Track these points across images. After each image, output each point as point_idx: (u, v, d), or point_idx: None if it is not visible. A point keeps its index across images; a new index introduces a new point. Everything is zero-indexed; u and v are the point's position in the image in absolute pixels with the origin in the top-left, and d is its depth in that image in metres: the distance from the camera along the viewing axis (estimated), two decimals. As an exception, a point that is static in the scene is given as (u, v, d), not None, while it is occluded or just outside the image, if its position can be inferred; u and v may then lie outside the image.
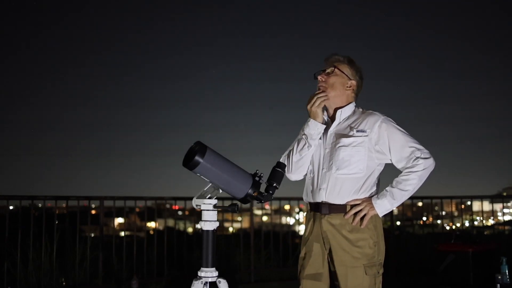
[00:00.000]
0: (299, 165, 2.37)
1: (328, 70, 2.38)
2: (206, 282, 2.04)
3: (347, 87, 2.37)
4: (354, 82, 2.39)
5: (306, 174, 2.42)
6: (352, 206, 2.24)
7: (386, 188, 2.26)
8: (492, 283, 3.90)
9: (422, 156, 2.22)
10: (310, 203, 2.37)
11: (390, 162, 2.30)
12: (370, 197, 2.26)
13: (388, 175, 2.39)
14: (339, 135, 2.30)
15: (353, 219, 2.22)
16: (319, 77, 2.39)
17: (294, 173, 2.40)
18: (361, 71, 2.43)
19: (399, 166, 2.28)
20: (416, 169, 2.21)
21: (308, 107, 2.32)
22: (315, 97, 2.31)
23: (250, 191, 2.06)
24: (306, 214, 2.44)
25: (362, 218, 2.22)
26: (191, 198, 2.15)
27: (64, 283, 5.17)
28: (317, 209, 2.30)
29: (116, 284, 5.27)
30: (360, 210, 2.22)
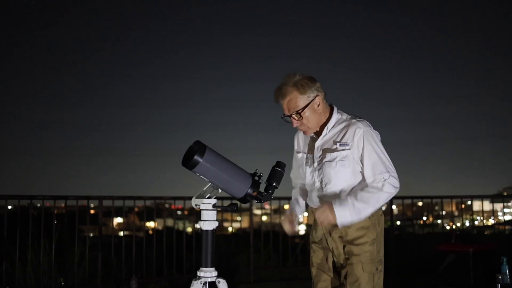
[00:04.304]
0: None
1: (294, 116, 2.25)
2: (206, 282, 2.04)
3: (317, 107, 2.27)
4: (317, 97, 2.25)
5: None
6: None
7: (348, 199, 2.18)
8: (492, 283, 3.89)
9: (389, 181, 2.18)
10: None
11: None
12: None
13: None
14: (325, 150, 2.29)
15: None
16: (294, 126, 2.30)
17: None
18: (309, 77, 2.27)
19: (367, 180, 2.23)
20: (381, 190, 2.17)
21: (281, 221, 2.50)
22: (286, 227, 2.43)
23: (249, 190, 2.05)
24: (309, 215, 2.48)
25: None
26: (190, 198, 2.16)
27: (63, 283, 5.16)
28: None
29: (115, 284, 5.26)
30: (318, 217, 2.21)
